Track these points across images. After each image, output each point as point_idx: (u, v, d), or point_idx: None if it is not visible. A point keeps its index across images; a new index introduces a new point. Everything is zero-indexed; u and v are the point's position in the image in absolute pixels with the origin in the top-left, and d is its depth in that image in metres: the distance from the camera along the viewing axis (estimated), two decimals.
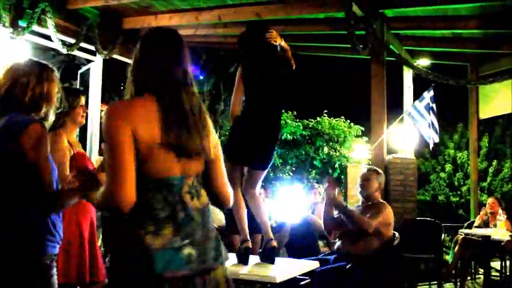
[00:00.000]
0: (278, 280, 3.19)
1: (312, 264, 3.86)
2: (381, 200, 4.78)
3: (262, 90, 3.63)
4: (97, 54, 7.80)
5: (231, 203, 2.07)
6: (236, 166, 3.68)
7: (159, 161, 1.78)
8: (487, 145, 15.11)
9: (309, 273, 3.73)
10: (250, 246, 3.71)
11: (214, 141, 1.95)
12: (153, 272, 1.69)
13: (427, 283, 6.90)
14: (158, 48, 1.93)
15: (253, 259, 3.72)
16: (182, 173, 1.83)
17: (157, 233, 1.73)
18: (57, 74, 2.52)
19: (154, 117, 1.79)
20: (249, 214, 3.83)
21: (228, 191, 2.03)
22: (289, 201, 7.93)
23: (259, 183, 3.89)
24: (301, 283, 3.58)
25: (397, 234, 4.63)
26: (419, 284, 6.82)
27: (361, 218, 4.42)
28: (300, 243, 6.48)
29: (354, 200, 7.72)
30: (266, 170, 3.82)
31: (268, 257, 3.65)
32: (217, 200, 2.03)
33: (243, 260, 3.61)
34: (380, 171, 4.94)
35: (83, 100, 3.53)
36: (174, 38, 1.99)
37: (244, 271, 3.39)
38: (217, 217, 6.53)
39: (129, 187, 1.71)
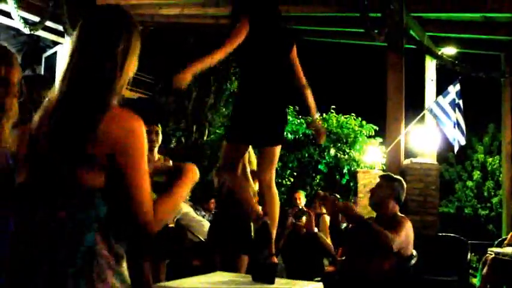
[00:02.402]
0: None
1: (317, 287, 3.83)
2: (399, 214, 4.72)
3: (269, 60, 3.70)
4: (66, 36, 7.79)
5: (150, 231, 1.81)
6: (238, 146, 3.69)
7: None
8: None
9: None
10: (267, 221, 3.58)
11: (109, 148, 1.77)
12: None
13: None
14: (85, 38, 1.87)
15: (242, 279, 3.68)
16: None
17: None
18: (17, 58, 2.51)
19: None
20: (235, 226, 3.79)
21: (145, 218, 1.79)
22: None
23: (274, 169, 3.84)
24: None
25: (414, 252, 4.61)
26: None
27: (383, 230, 4.30)
28: (301, 259, 6.47)
29: (366, 211, 7.72)
30: (278, 146, 3.78)
31: (266, 275, 3.56)
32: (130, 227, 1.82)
33: (267, 278, 3.51)
34: (396, 177, 4.88)
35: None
36: (110, 21, 1.90)
37: None
38: (203, 229, 6.53)
39: None
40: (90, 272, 1.71)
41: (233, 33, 3.52)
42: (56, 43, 8.25)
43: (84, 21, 1.89)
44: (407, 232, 4.42)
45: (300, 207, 7.10)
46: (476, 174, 15.58)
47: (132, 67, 1.88)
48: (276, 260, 3.62)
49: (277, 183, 11.00)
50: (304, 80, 3.88)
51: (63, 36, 7.91)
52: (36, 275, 1.70)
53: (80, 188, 1.72)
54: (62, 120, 1.77)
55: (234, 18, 3.73)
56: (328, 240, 6.64)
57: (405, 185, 4.77)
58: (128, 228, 1.82)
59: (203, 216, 7.56)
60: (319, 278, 4.85)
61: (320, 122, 4.02)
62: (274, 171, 3.83)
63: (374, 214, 4.87)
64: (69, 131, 1.74)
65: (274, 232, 3.74)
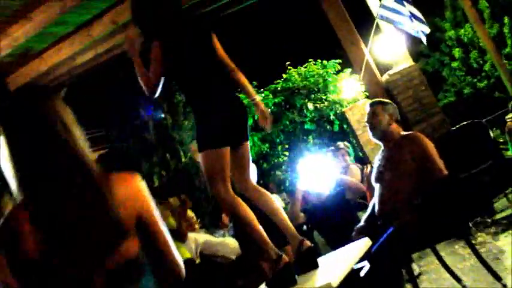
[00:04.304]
0: (335, 284, 3.04)
1: (363, 245, 3.78)
2: (403, 133, 4.72)
3: (202, 61, 3.67)
4: None
5: (183, 274, 2.03)
6: (220, 151, 3.54)
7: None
8: (487, 4, 15.16)
9: (364, 256, 3.64)
10: (288, 260, 3.45)
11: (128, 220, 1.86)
12: None
13: (502, 193, 6.89)
14: (16, 135, 1.87)
15: None
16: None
17: None
18: None
19: (27, 234, 1.75)
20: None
21: (179, 260, 2.01)
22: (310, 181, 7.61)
23: (251, 169, 3.80)
24: (362, 273, 3.47)
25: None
26: (494, 200, 6.81)
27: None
28: (335, 219, 6.43)
29: (372, 146, 7.68)
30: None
31: (308, 262, 3.53)
32: (164, 272, 1.99)
33: (287, 283, 3.36)
34: (385, 100, 4.89)
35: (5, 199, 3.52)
36: (35, 106, 1.88)
37: None
38: (229, 247, 6.45)
39: None
40: None
41: (151, 64, 3.57)
42: None
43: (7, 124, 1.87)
44: (423, 150, 4.45)
45: None
46: (457, 52, 15.57)
47: (78, 132, 1.89)
48: (308, 243, 3.57)
49: (275, 163, 11.01)
50: (232, 64, 3.85)
51: None
52: None
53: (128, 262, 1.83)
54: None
55: (146, 40, 3.73)
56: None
57: (393, 105, 4.85)
58: (162, 275, 1.98)
59: (223, 235, 7.47)
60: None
61: (262, 104, 3.93)
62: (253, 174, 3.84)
63: (379, 146, 4.89)
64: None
65: (286, 218, 3.67)
